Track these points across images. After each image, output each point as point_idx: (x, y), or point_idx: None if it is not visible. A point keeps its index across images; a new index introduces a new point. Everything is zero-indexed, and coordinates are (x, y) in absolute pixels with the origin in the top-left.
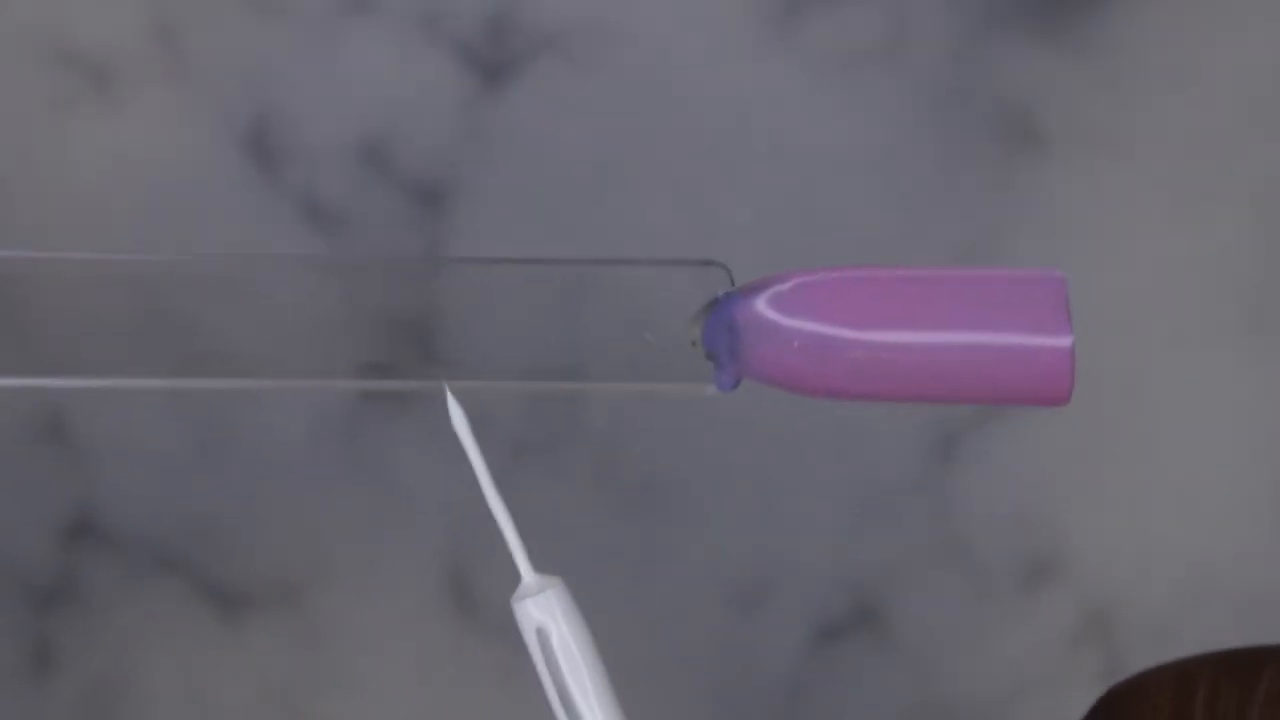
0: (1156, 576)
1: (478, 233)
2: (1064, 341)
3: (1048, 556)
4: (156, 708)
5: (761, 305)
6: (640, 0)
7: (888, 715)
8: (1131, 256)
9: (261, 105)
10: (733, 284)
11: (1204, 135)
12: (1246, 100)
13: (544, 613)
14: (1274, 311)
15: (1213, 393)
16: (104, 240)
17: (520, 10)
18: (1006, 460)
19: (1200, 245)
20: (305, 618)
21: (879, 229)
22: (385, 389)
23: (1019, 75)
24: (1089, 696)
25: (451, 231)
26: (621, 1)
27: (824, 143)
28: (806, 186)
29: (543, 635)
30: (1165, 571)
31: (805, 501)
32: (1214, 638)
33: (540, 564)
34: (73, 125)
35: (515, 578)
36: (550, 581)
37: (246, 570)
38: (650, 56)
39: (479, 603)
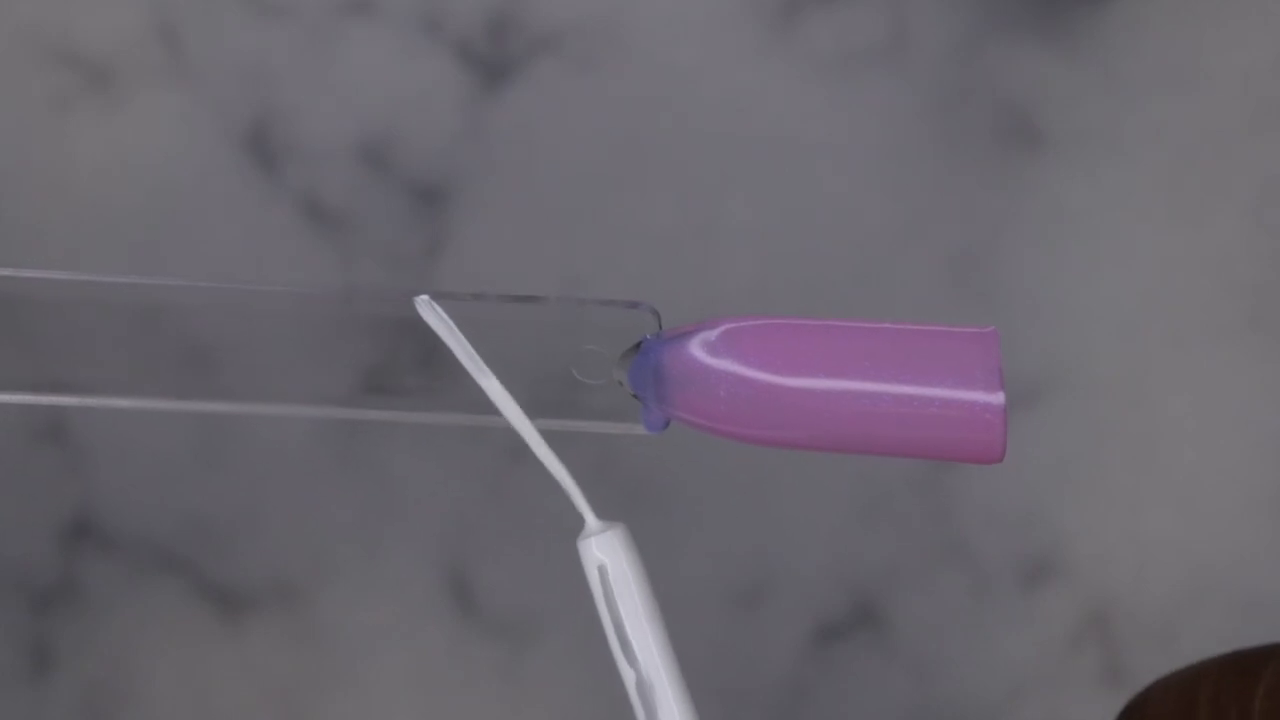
0: (1156, 576)
1: (478, 232)
2: (996, 399)
3: (1047, 556)
4: (156, 708)
5: (688, 351)
6: (640, 0)
7: (888, 715)
8: (1131, 256)
9: (261, 105)
10: (660, 326)
11: (1204, 135)
12: (1246, 100)
13: (605, 552)
14: (1274, 311)
15: (1213, 393)
16: (105, 241)
17: (520, 10)
18: (1006, 460)
19: (1200, 245)
20: (305, 618)
21: (878, 228)
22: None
23: (1019, 75)
24: (1089, 696)
25: (451, 231)
26: (621, 1)
27: (824, 142)
28: (806, 186)
29: (603, 573)
30: (1165, 571)
31: (805, 501)
32: (1214, 638)
33: (539, 564)
34: (73, 125)
35: (515, 578)
36: (612, 525)
37: (246, 570)
38: (650, 56)
39: (479, 603)
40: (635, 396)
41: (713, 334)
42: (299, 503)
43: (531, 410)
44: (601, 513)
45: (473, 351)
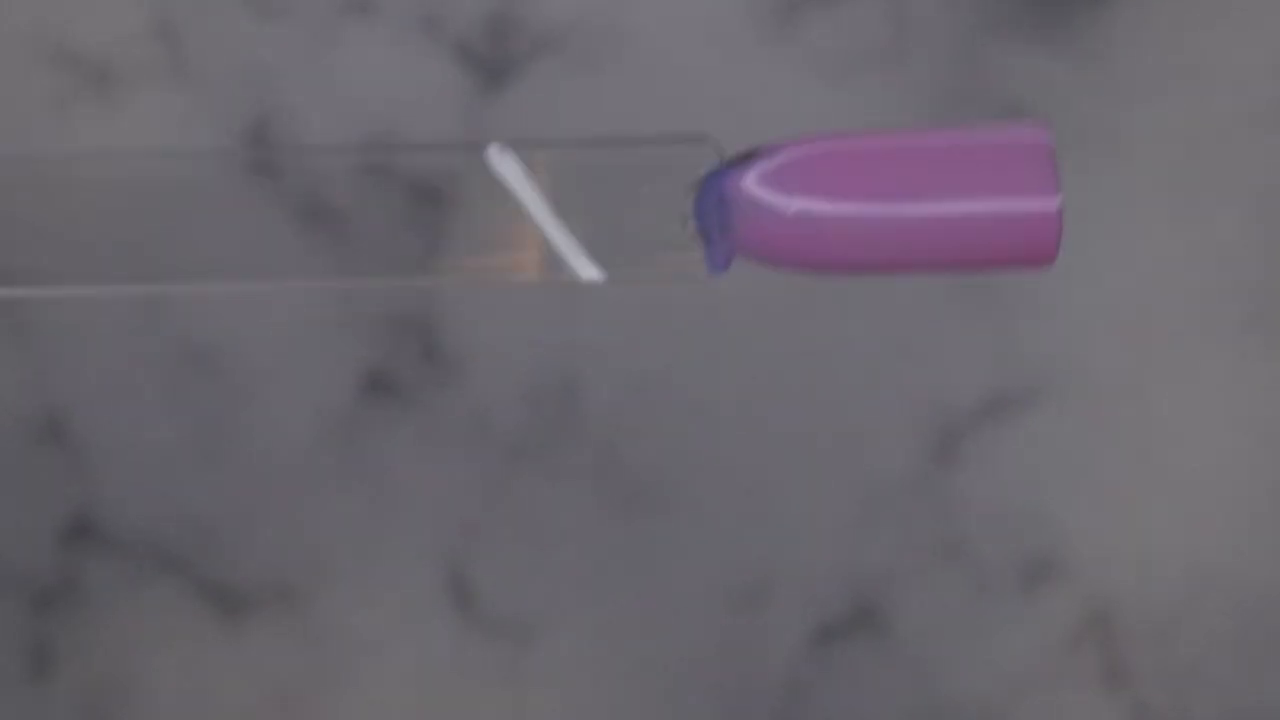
0: (1156, 576)
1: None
2: (1051, 204)
3: (1048, 556)
4: (156, 708)
5: (752, 179)
6: (640, 0)
7: (888, 715)
8: (1131, 256)
9: (261, 105)
10: (722, 159)
11: (1204, 135)
12: (1246, 100)
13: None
14: (1274, 311)
15: (1213, 393)
16: (104, 240)
17: (520, 10)
18: (1006, 460)
19: (1200, 245)
20: (305, 618)
21: None
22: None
23: (1019, 75)
24: (1088, 697)
25: (452, 232)
26: (621, 1)
27: None
28: None
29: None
30: (1165, 571)
31: (805, 501)
32: (1214, 638)
33: (539, 563)
34: (73, 125)
35: (515, 578)
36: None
37: (246, 570)
38: (650, 56)
39: (479, 603)
40: (700, 234)
41: (775, 160)
42: (299, 503)
43: (599, 260)
44: (603, 513)
45: (539, 200)
